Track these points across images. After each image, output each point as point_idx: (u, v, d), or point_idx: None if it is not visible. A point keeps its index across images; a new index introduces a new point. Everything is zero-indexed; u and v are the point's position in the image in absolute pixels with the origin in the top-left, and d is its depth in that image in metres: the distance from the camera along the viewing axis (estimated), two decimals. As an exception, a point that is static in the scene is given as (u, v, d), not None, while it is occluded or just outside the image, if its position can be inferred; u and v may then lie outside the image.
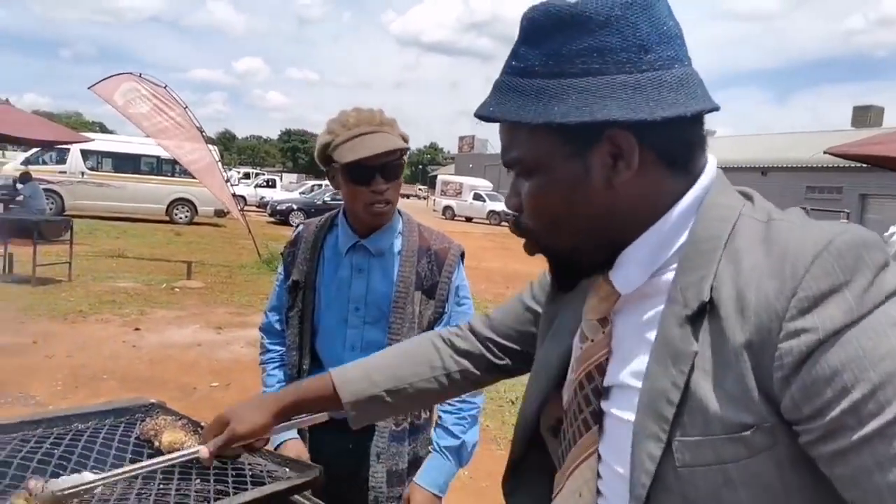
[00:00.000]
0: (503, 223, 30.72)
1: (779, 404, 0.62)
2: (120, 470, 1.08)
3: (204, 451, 1.06)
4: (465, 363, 1.09)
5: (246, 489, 1.16)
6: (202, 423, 1.50)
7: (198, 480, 1.22)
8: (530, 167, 0.76)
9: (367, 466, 1.67)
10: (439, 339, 1.12)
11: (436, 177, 41.46)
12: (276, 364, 1.84)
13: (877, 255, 0.62)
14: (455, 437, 1.70)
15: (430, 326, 1.72)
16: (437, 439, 1.71)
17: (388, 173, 1.62)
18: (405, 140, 1.65)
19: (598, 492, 0.78)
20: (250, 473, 1.25)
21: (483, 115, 0.76)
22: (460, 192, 34.09)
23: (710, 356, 0.66)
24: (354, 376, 1.06)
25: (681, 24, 0.74)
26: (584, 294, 0.85)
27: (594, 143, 0.71)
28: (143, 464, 1.11)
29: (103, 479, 1.07)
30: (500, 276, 12.61)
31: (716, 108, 0.71)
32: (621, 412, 0.74)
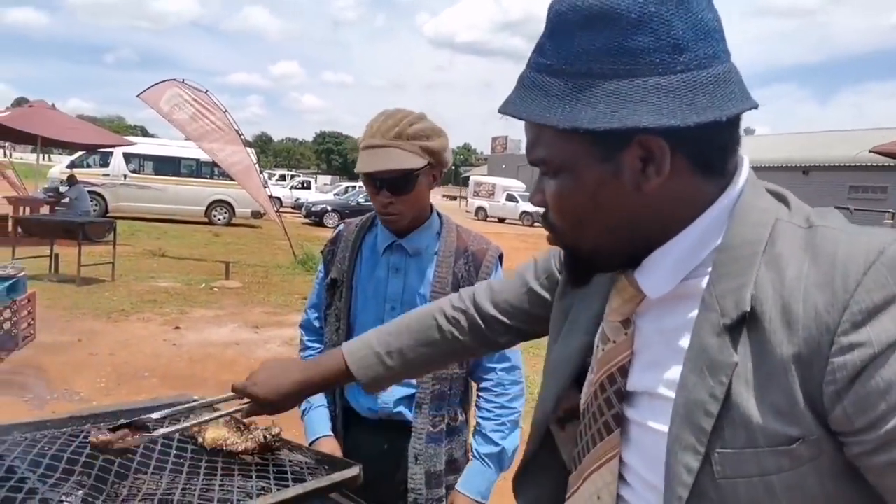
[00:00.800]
0: (536, 224, 30.52)
1: (826, 417, 0.61)
2: (202, 419, 1.27)
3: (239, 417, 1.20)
4: (464, 335, 1.11)
5: (287, 486, 1.18)
6: (243, 420, 1.53)
7: (240, 477, 1.25)
8: (557, 167, 0.73)
9: (404, 468, 1.67)
10: (440, 313, 1.13)
11: (468, 178, 41.43)
12: None
13: None
14: (494, 443, 1.68)
15: None
16: (477, 446, 1.69)
17: (394, 188, 1.60)
18: (430, 152, 1.60)
19: (619, 496, 0.78)
20: (291, 470, 1.26)
21: (507, 112, 0.73)
22: (493, 193, 33.98)
23: (751, 367, 0.64)
24: (365, 356, 1.12)
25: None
26: (598, 288, 0.85)
27: (624, 147, 0.68)
28: (216, 415, 1.28)
29: (193, 424, 1.27)
30: (534, 277, 12.53)
31: (754, 107, 0.68)
32: (651, 422, 0.73)
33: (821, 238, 0.65)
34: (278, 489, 1.16)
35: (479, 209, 33.76)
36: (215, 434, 1.32)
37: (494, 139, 54.40)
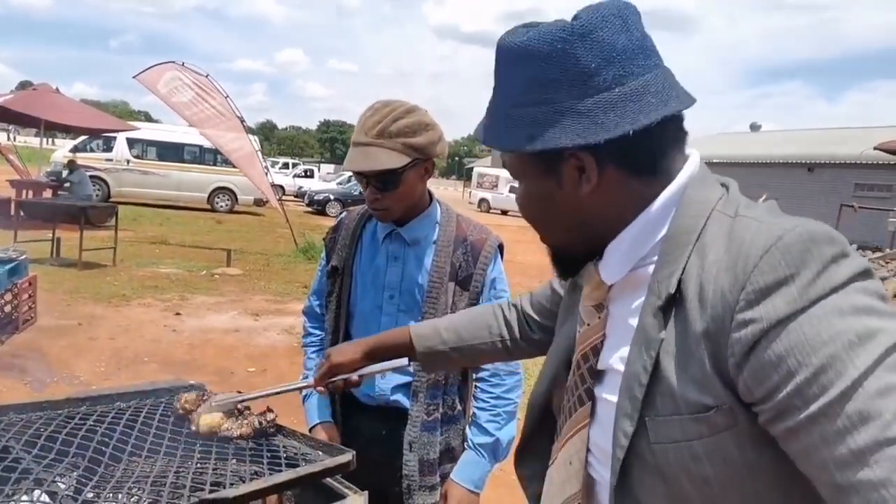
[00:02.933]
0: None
1: (735, 388, 0.68)
2: (266, 391, 1.35)
3: (311, 380, 1.30)
4: (514, 333, 1.24)
5: (280, 470, 1.18)
6: (239, 406, 1.53)
7: (234, 461, 1.25)
8: (515, 176, 0.85)
9: (400, 454, 1.68)
10: (497, 309, 1.27)
11: (472, 169, 41.34)
12: (315, 348, 1.88)
13: (825, 249, 0.66)
14: (489, 434, 1.69)
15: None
16: (472, 436, 1.71)
17: (380, 184, 1.60)
18: (415, 149, 1.58)
19: (588, 462, 0.86)
20: (285, 455, 1.27)
21: (475, 136, 0.86)
22: (496, 185, 33.94)
23: (675, 343, 0.72)
24: (427, 332, 1.25)
25: (643, 38, 0.77)
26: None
27: (560, 161, 0.78)
28: (281, 387, 1.36)
29: (253, 397, 1.36)
30: (535, 269, 12.53)
31: (671, 112, 0.74)
32: (609, 395, 0.81)
33: (739, 226, 0.72)
34: (271, 473, 1.16)
35: (482, 201, 33.73)
36: (210, 420, 1.33)
37: (498, 131, 54.32)
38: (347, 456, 1.21)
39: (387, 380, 1.71)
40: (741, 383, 0.67)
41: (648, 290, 0.77)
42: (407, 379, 1.69)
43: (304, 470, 1.15)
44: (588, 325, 0.89)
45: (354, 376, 1.28)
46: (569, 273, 0.91)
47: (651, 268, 0.78)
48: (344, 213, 1.89)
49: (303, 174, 30.39)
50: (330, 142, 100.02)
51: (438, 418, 1.71)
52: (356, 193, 21.72)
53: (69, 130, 16.78)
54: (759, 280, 0.66)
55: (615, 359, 0.82)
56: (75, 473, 1.17)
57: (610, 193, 0.78)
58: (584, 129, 0.73)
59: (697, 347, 0.69)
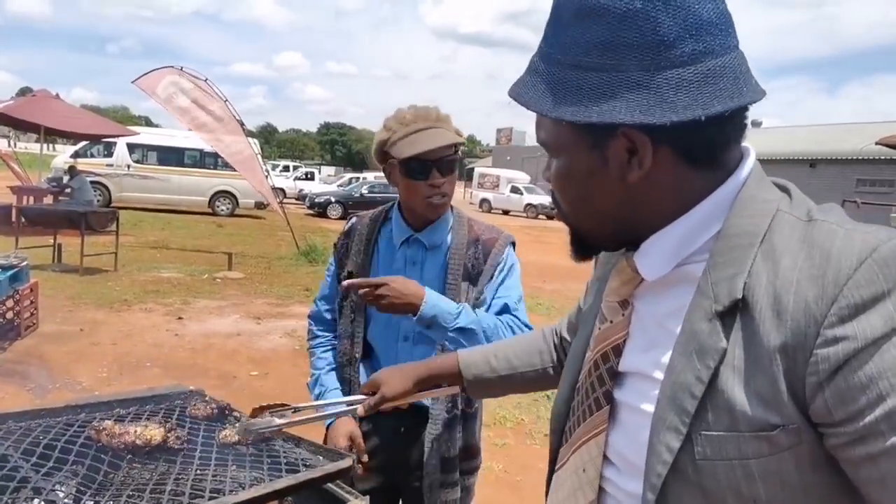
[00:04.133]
0: (540, 216, 30.50)
1: (807, 407, 0.63)
2: (304, 416, 1.25)
3: (360, 409, 1.24)
4: (554, 350, 1.21)
5: (280, 476, 1.17)
6: (235, 412, 1.52)
7: (234, 467, 1.24)
8: (554, 150, 0.77)
9: (419, 452, 1.71)
10: (548, 335, 1.24)
11: (473, 169, 41.35)
12: (325, 348, 1.88)
13: None
14: (478, 321, 1.62)
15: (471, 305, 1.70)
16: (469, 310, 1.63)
17: (443, 168, 1.66)
18: (460, 136, 1.69)
19: (602, 474, 0.80)
20: (285, 461, 1.26)
21: (511, 94, 0.76)
22: (497, 185, 33.94)
23: (740, 354, 0.65)
24: (476, 359, 1.20)
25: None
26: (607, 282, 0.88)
27: (610, 138, 0.70)
28: (323, 412, 1.34)
29: (288, 423, 1.25)
30: (536, 269, 12.51)
31: (746, 104, 0.67)
32: (639, 402, 0.75)
33: (818, 232, 0.66)
34: (271, 479, 1.15)
35: (484, 201, 33.73)
36: (154, 433, 1.29)
37: (499, 131, 54.25)
38: (348, 461, 1.20)
39: None
40: (819, 403, 0.62)
41: (698, 292, 0.70)
42: None
43: (304, 475, 1.14)
44: (610, 322, 0.82)
45: (404, 405, 1.27)
46: (584, 255, 0.83)
47: (698, 266, 0.71)
48: (354, 219, 1.89)
49: (303, 177, 30.40)
50: (330, 144, 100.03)
51: (458, 415, 1.74)
52: (357, 196, 21.72)
53: (69, 136, 16.80)
54: (854, 294, 0.60)
55: (646, 363, 0.75)
56: (74, 481, 1.16)
57: (659, 182, 0.71)
58: (650, 106, 0.65)
59: (770, 362, 0.63)
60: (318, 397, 1.81)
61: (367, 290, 1.55)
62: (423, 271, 1.74)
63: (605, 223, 0.77)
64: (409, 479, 1.73)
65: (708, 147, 0.70)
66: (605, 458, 0.80)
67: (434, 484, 1.71)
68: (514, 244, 1.82)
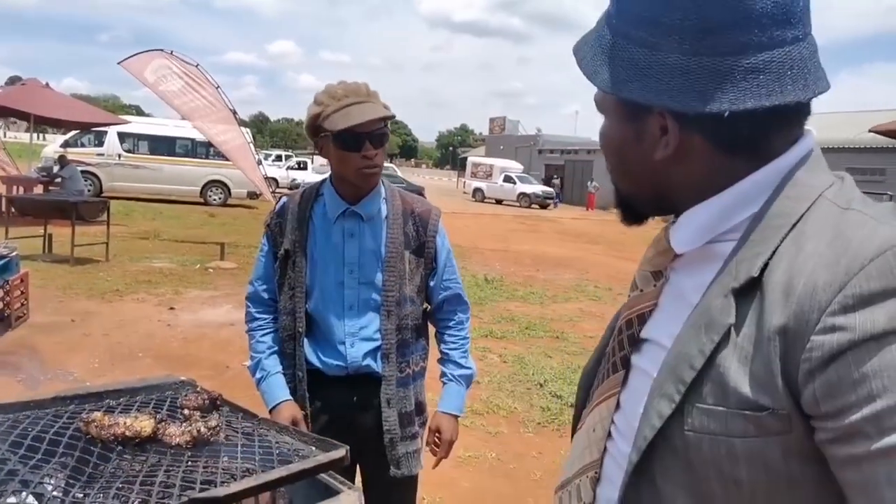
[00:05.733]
0: (533, 205, 30.48)
1: (799, 395, 0.60)
2: None
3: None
4: None
5: (272, 467, 1.16)
6: (218, 400, 1.51)
7: (225, 458, 1.23)
8: (601, 110, 0.78)
9: (375, 414, 1.83)
10: None
11: (466, 158, 41.26)
12: (265, 331, 1.92)
13: None
14: (466, 367, 1.95)
15: (424, 282, 1.89)
16: (452, 371, 1.93)
17: (375, 140, 1.73)
18: (388, 110, 1.76)
19: (609, 433, 0.81)
20: (277, 451, 1.25)
21: (574, 48, 0.78)
22: (490, 174, 33.88)
23: (745, 332, 0.64)
24: None
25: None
26: None
27: (647, 114, 0.70)
28: None
29: None
30: (530, 258, 12.53)
31: (788, 102, 0.65)
32: (648, 368, 0.75)
33: (848, 221, 0.64)
34: (263, 471, 1.14)
35: (477, 190, 33.68)
36: (142, 424, 1.27)
37: (492, 120, 54.04)
38: (341, 451, 1.19)
39: (356, 347, 1.82)
40: (808, 392, 0.59)
41: (722, 268, 0.69)
42: (375, 344, 1.82)
43: (296, 466, 1.13)
44: (640, 290, 0.82)
45: None
46: (632, 220, 0.83)
47: (729, 245, 0.70)
48: (285, 198, 1.94)
49: (296, 166, 30.26)
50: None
51: (410, 374, 1.87)
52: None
53: (59, 125, 16.66)
54: (862, 284, 0.57)
55: (661, 331, 0.75)
56: (63, 473, 1.15)
57: (688, 164, 0.71)
58: (678, 91, 0.65)
59: (768, 343, 0.61)
60: (259, 381, 1.87)
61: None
62: (361, 242, 1.82)
63: (642, 188, 0.78)
64: (368, 441, 1.82)
65: (743, 137, 0.68)
66: (613, 420, 0.81)
67: (395, 439, 1.83)
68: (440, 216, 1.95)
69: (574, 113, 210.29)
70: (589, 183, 33.56)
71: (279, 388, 1.83)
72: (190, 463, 1.21)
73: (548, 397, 4.91)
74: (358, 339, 1.82)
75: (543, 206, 30.77)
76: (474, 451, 3.85)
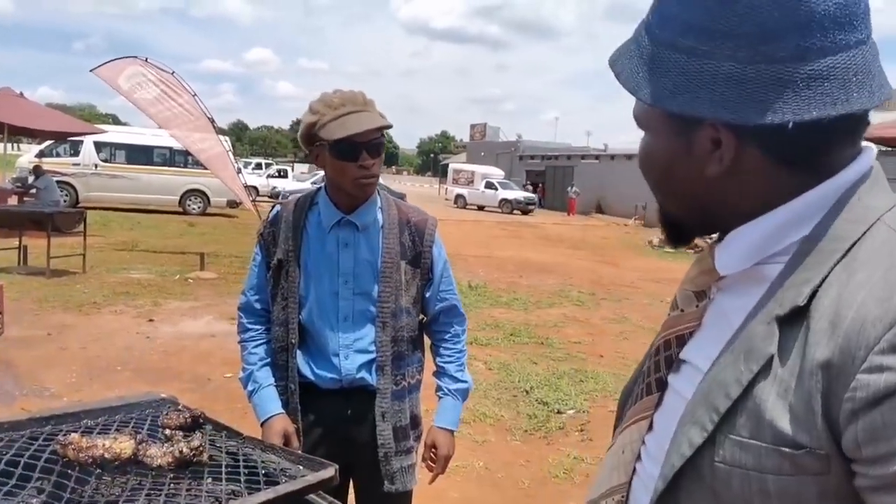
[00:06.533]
0: (515, 211, 30.57)
1: (840, 436, 0.56)
2: None
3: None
4: None
5: (259, 489, 1.12)
6: (200, 418, 1.46)
7: (209, 480, 1.18)
8: (643, 126, 0.74)
9: (369, 428, 1.79)
10: None
11: (447, 165, 41.31)
12: (257, 342, 1.89)
13: None
14: (461, 381, 1.91)
15: (420, 292, 1.86)
16: (447, 385, 1.90)
17: (372, 150, 1.71)
18: (385, 120, 1.74)
19: (639, 456, 0.78)
20: (263, 472, 1.20)
21: (610, 61, 0.73)
22: (472, 181, 33.96)
23: (787, 364, 0.60)
24: None
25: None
26: None
27: (697, 127, 0.66)
28: None
29: None
30: (513, 264, 12.54)
31: (854, 111, 0.60)
32: (683, 389, 0.71)
33: None
34: (250, 493, 1.10)
35: (459, 197, 33.72)
36: (124, 446, 1.22)
37: (473, 126, 54.25)
38: (331, 471, 1.15)
39: (350, 360, 1.78)
40: (850, 434, 0.55)
41: (768, 292, 0.65)
42: (370, 356, 1.79)
43: (284, 488, 1.09)
44: (681, 311, 0.78)
45: None
46: (678, 241, 0.79)
47: (777, 267, 0.65)
48: (279, 207, 1.90)
49: (276, 174, 30.09)
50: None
51: (406, 387, 1.84)
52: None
53: (34, 135, 16.38)
54: None
55: (700, 354, 0.71)
56: (38, 499, 1.10)
57: (743, 180, 0.66)
58: (735, 103, 0.61)
59: (810, 377, 0.57)
60: (251, 394, 1.83)
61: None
62: (356, 252, 1.79)
63: (688, 208, 0.73)
64: (362, 456, 1.80)
65: (804, 152, 0.64)
66: (644, 442, 0.77)
67: (390, 454, 1.79)
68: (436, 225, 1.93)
69: (554, 119, 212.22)
70: (569, 188, 33.75)
71: (271, 401, 1.79)
72: (172, 486, 1.16)
73: (534, 404, 4.89)
74: (352, 352, 1.79)
75: (525, 213, 30.89)
76: (462, 460, 3.81)
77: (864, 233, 0.62)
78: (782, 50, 0.60)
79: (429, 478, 1.92)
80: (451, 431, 1.89)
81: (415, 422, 1.90)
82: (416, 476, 1.90)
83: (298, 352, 1.80)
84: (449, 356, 1.92)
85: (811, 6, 0.59)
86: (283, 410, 1.78)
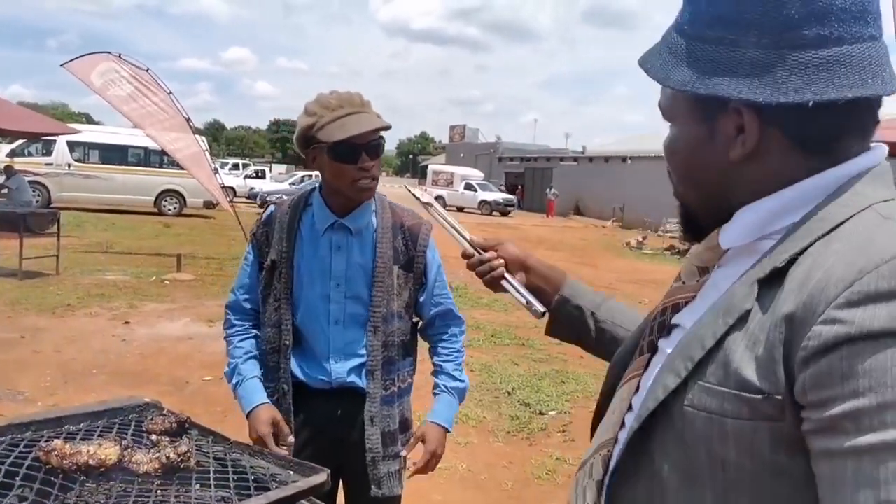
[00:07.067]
0: (494, 213, 30.64)
1: (794, 383, 0.61)
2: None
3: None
4: None
5: (249, 495, 1.10)
6: (186, 423, 1.44)
7: (198, 486, 1.16)
8: (668, 117, 0.79)
9: (358, 431, 1.78)
10: None
11: (426, 166, 41.27)
12: (243, 336, 1.88)
13: None
14: (459, 380, 1.89)
15: (413, 297, 1.85)
16: (444, 383, 1.87)
17: (371, 151, 1.69)
18: (382, 121, 1.73)
19: (623, 422, 0.81)
20: (253, 477, 1.18)
21: (639, 61, 0.78)
22: (451, 182, 33.95)
23: (757, 319, 0.65)
24: (583, 289, 1.17)
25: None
26: None
27: (721, 113, 0.71)
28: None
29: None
30: (493, 265, 12.55)
31: (864, 96, 0.65)
32: (668, 350, 0.76)
33: (885, 228, 0.64)
34: (240, 500, 1.08)
35: (438, 198, 33.58)
36: (109, 452, 1.19)
37: (452, 127, 54.27)
38: (322, 476, 1.14)
39: (341, 364, 1.78)
40: (800, 380, 0.60)
41: (757, 262, 0.70)
42: (361, 360, 1.78)
43: (275, 494, 1.07)
44: (682, 283, 0.83)
45: (502, 275, 1.17)
46: (694, 235, 0.83)
47: (771, 243, 0.71)
48: (273, 207, 1.88)
49: (254, 175, 29.83)
50: (281, 142, 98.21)
51: (395, 392, 1.82)
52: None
53: (5, 134, 16.01)
54: (871, 282, 0.58)
55: (689, 318, 0.76)
56: (21, 508, 1.07)
57: (764, 162, 0.71)
58: (758, 84, 0.66)
59: (774, 329, 0.62)
60: (236, 386, 1.82)
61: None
62: (349, 256, 1.78)
63: (708, 195, 0.77)
64: (351, 457, 1.79)
65: (820, 135, 0.69)
66: (630, 403, 0.81)
67: (377, 458, 1.78)
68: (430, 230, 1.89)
69: (533, 121, 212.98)
70: (548, 190, 33.91)
71: (256, 392, 1.78)
72: (160, 493, 1.14)
73: (516, 406, 4.90)
74: (343, 355, 1.78)
75: (504, 214, 30.97)
76: (444, 462, 3.78)
77: (852, 216, 0.66)
78: (803, 37, 0.65)
79: (409, 472, 1.88)
80: (445, 429, 1.84)
81: (404, 425, 1.88)
82: (404, 482, 1.88)
83: (291, 352, 1.79)
84: (447, 355, 1.91)
85: (830, 0, 0.65)
86: (268, 400, 1.77)
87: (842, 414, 0.57)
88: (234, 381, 1.81)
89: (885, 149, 0.72)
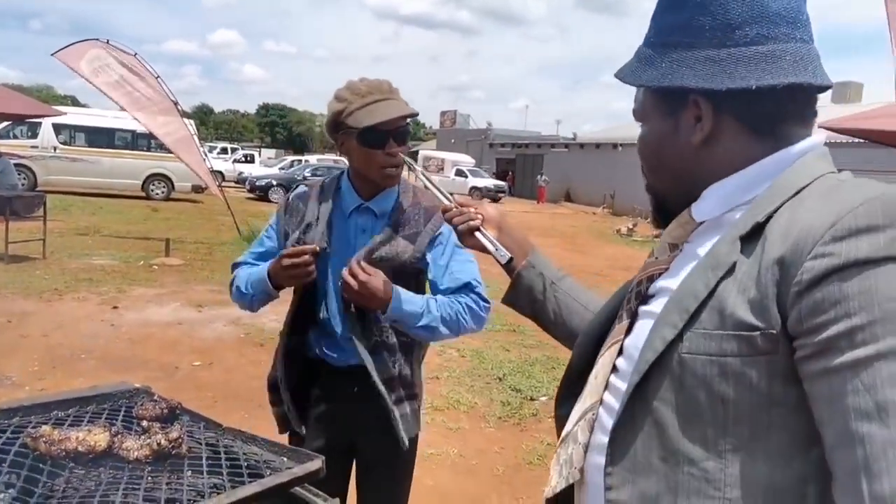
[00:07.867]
0: (485, 199, 30.60)
1: (787, 317, 0.68)
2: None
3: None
4: None
5: (242, 482, 1.08)
6: (177, 409, 1.42)
7: (189, 473, 1.15)
8: (640, 118, 0.91)
9: (376, 405, 1.75)
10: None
11: (417, 152, 41.11)
12: (248, 268, 1.92)
13: None
14: (434, 312, 1.71)
15: (408, 265, 1.77)
16: (431, 298, 1.75)
17: (399, 137, 1.73)
18: (410, 108, 1.75)
19: (608, 381, 0.86)
20: (246, 464, 1.17)
21: (615, 73, 0.91)
22: (442, 168, 33.81)
23: (745, 269, 0.73)
24: (544, 260, 1.20)
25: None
26: None
27: (682, 106, 0.83)
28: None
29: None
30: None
31: (801, 82, 0.77)
32: (654, 310, 0.82)
33: (844, 185, 0.74)
34: (233, 487, 1.06)
35: (428, 184, 33.54)
36: (99, 438, 1.18)
37: (443, 113, 53.88)
38: (317, 463, 1.12)
39: (356, 343, 1.74)
40: (795, 312, 0.67)
41: (731, 226, 0.78)
42: (376, 339, 1.78)
43: (270, 481, 1.06)
44: (656, 258, 0.90)
45: (478, 227, 1.22)
46: (665, 221, 0.92)
47: (741, 212, 0.79)
48: (304, 186, 1.90)
49: (243, 159, 29.60)
50: (270, 126, 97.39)
51: (408, 367, 1.84)
52: (300, 179, 21.25)
53: (-11, 116, 15.81)
54: (851, 221, 0.66)
55: (668, 282, 0.83)
56: (7, 494, 1.05)
57: (721, 144, 0.82)
58: (712, 75, 0.79)
59: (766, 272, 0.70)
60: (248, 283, 1.85)
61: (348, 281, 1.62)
62: (371, 238, 1.79)
63: (676, 180, 0.88)
64: (366, 432, 1.83)
65: (765, 117, 0.81)
66: (615, 366, 0.86)
67: (389, 407, 1.76)
68: None
69: (524, 107, 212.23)
70: (539, 176, 33.88)
71: (265, 267, 1.81)
72: (151, 479, 1.12)
73: (507, 391, 4.91)
74: (360, 334, 1.77)
75: (495, 200, 30.95)
76: (436, 447, 3.81)
77: (811, 182, 0.77)
78: (745, 36, 0.79)
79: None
80: (392, 297, 1.64)
81: (410, 381, 1.84)
82: (420, 424, 1.88)
83: (310, 331, 1.84)
84: (445, 299, 1.77)
85: (766, 4, 0.79)
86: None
87: (836, 334, 0.64)
88: (244, 283, 1.85)
89: (825, 134, 0.87)
